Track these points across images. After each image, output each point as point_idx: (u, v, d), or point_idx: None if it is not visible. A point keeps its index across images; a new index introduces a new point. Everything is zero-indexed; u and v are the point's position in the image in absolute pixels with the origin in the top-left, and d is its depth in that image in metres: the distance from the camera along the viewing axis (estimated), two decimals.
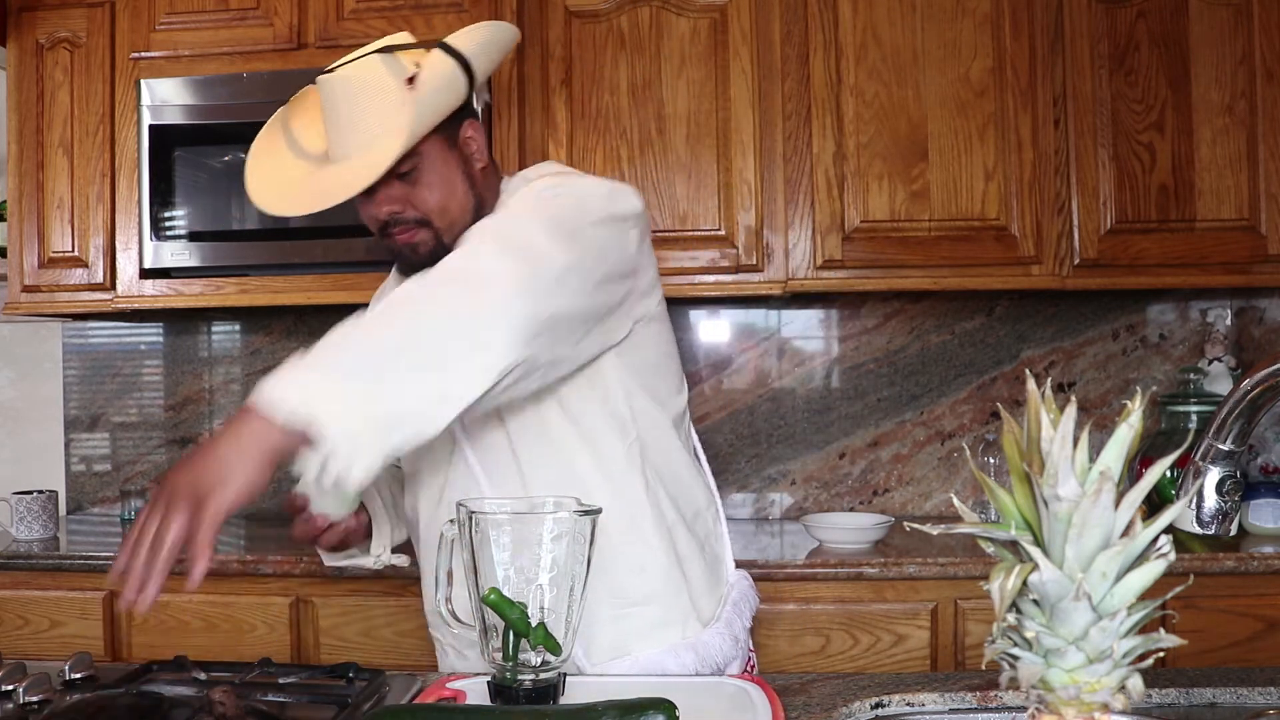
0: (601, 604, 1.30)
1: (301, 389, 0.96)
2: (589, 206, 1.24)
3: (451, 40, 1.31)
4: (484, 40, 1.35)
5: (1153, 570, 0.72)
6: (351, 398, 0.97)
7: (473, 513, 1.10)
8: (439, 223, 1.31)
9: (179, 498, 0.99)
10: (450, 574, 1.19)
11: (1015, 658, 0.76)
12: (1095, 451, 0.72)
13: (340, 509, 1.18)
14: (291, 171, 1.31)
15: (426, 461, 1.37)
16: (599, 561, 1.17)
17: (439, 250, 1.28)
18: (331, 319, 3.08)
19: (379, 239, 1.35)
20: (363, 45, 2.47)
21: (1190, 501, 1.08)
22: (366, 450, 0.97)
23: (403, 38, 1.31)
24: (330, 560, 1.43)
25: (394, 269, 1.48)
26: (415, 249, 1.31)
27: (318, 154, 1.32)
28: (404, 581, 2.16)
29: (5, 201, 2.68)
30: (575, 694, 1.13)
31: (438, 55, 1.28)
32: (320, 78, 1.28)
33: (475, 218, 1.30)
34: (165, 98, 2.43)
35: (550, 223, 1.15)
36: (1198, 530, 1.09)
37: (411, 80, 1.26)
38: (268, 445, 0.96)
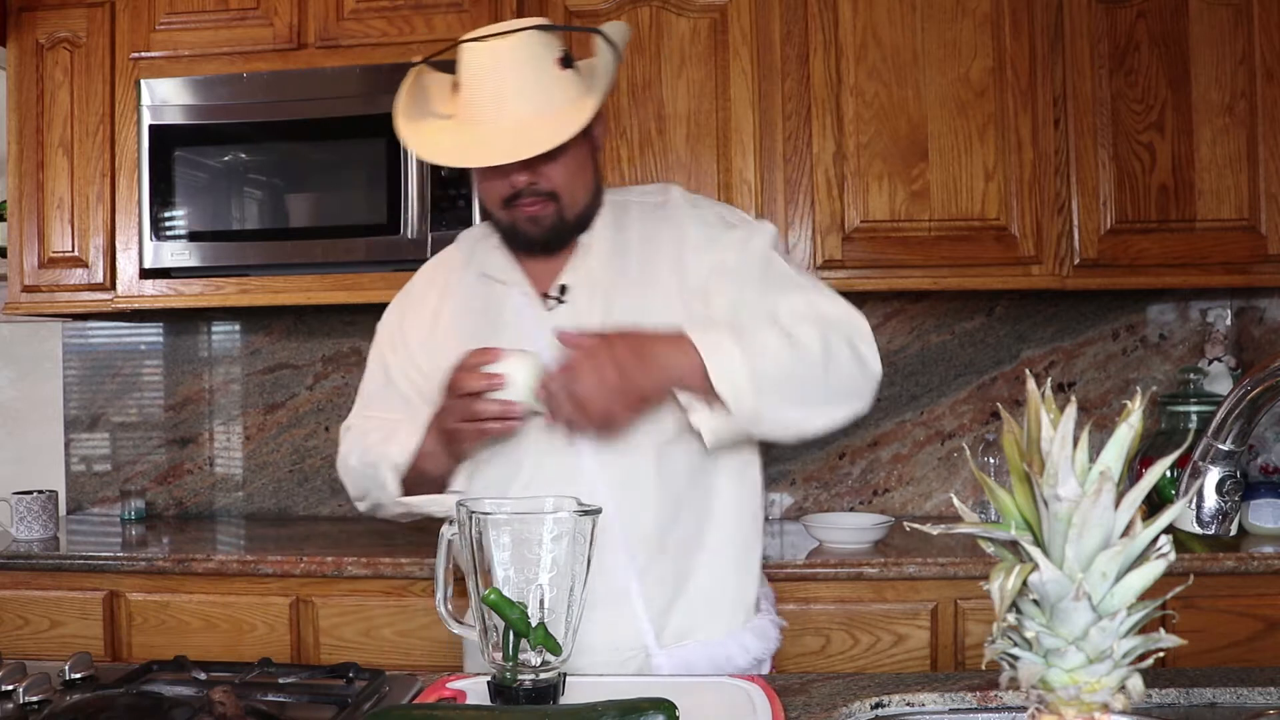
0: (675, 587, 1.39)
1: (731, 370, 1.26)
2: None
3: (607, 31, 1.40)
4: (623, 38, 1.44)
5: (1153, 570, 0.72)
6: (753, 396, 1.27)
7: (473, 513, 1.11)
8: (565, 199, 1.39)
9: (617, 362, 1.25)
10: (449, 574, 1.19)
11: (1015, 658, 0.76)
12: (1095, 451, 0.72)
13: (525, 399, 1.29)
14: (455, 134, 1.36)
15: (541, 457, 1.39)
16: (684, 547, 1.37)
17: (558, 226, 1.39)
18: (332, 319, 3.09)
19: (501, 208, 1.40)
20: (363, 45, 2.49)
21: (1190, 501, 1.08)
22: (736, 431, 1.30)
23: (541, 20, 1.38)
24: (416, 503, 1.43)
25: (460, 244, 1.56)
26: (538, 221, 1.38)
27: (463, 117, 1.36)
28: (404, 581, 2.16)
29: (5, 201, 2.68)
30: (575, 694, 1.14)
31: (601, 42, 1.39)
32: (483, 45, 1.33)
33: (594, 202, 1.44)
34: (165, 98, 2.43)
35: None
36: (1198, 530, 1.09)
37: (563, 61, 1.35)
38: (685, 374, 1.28)
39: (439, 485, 1.43)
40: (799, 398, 1.31)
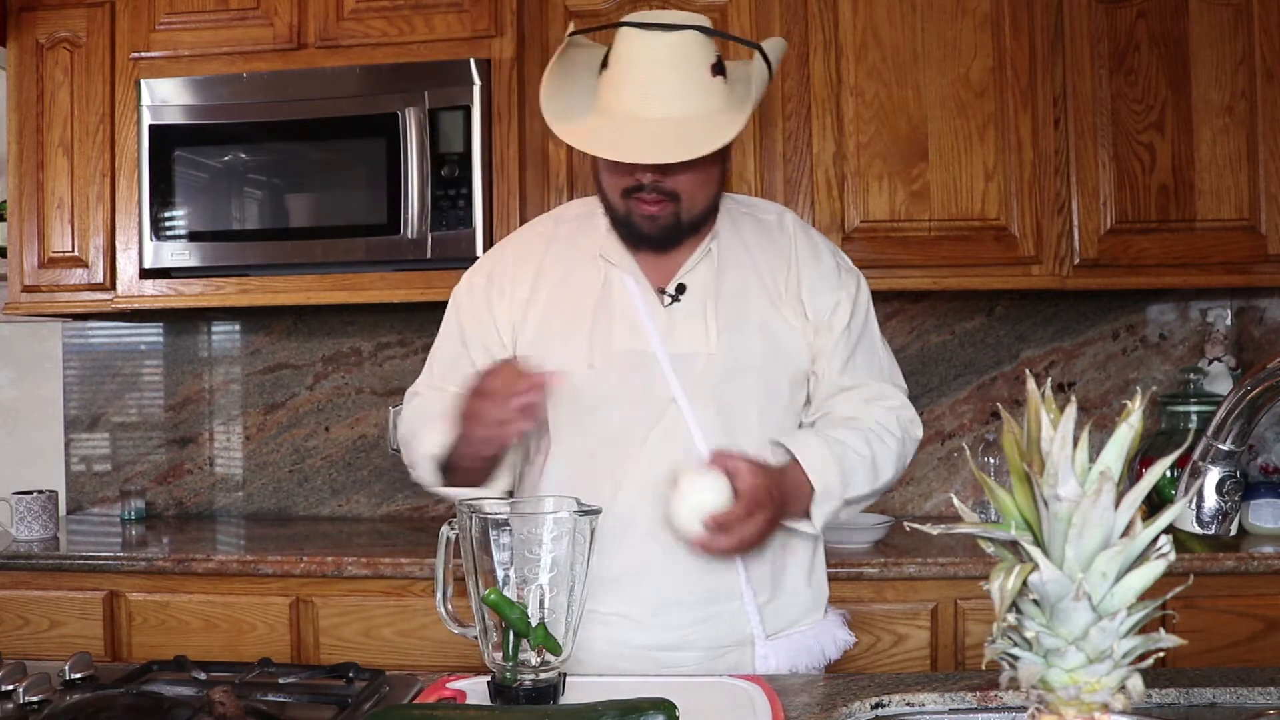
0: (774, 581, 1.44)
1: (826, 493, 1.38)
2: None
3: (767, 50, 1.41)
4: (778, 55, 1.45)
5: (1153, 570, 0.72)
6: (835, 509, 1.40)
7: (473, 513, 1.11)
8: (686, 203, 1.39)
9: (770, 520, 1.32)
10: (449, 574, 1.19)
11: (1015, 658, 0.76)
12: (1095, 451, 0.72)
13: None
14: (602, 120, 1.36)
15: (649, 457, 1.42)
16: (779, 544, 1.43)
17: (673, 227, 1.40)
18: (332, 319, 3.09)
19: (619, 197, 1.40)
20: (363, 45, 2.49)
21: (1190, 501, 1.08)
22: (818, 523, 1.41)
23: (706, 22, 1.37)
24: (453, 494, 1.41)
25: (558, 220, 1.55)
26: (655, 220, 1.39)
27: (607, 101, 1.37)
28: (404, 581, 2.16)
29: (5, 201, 2.68)
30: (575, 694, 1.14)
31: (759, 60, 1.40)
32: (644, 35, 1.33)
33: (712, 209, 1.44)
34: (165, 98, 2.43)
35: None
36: (1198, 530, 1.09)
37: (715, 68, 1.35)
38: (802, 499, 1.38)
39: (480, 476, 1.42)
40: (852, 514, 1.46)
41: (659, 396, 1.40)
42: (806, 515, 1.38)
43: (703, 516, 1.27)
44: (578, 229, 1.50)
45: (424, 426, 1.43)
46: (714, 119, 1.33)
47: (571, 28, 1.44)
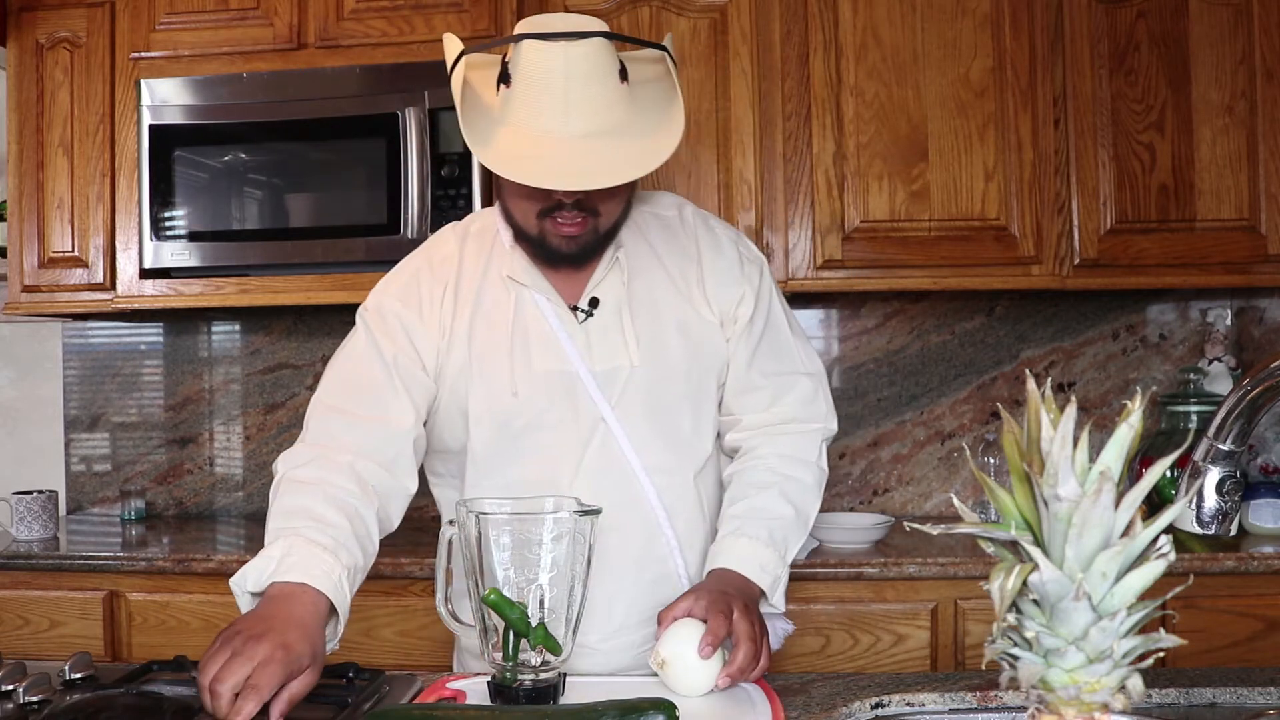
0: None
1: (773, 574, 1.35)
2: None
3: (671, 48, 1.36)
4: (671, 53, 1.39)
5: (1153, 570, 0.72)
6: (785, 575, 1.38)
7: (473, 513, 1.11)
8: (604, 218, 1.34)
9: (756, 638, 1.22)
10: (450, 574, 1.19)
11: (1015, 658, 0.76)
12: (1095, 451, 0.72)
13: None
14: (523, 142, 1.28)
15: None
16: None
17: (590, 244, 1.35)
18: (332, 319, 3.08)
19: (533, 219, 1.33)
20: (363, 45, 2.48)
21: (1190, 501, 1.08)
22: (781, 604, 1.37)
23: (601, 27, 1.29)
24: None
25: (462, 239, 1.45)
26: (574, 240, 1.33)
27: (524, 121, 1.28)
28: (404, 581, 2.16)
29: (5, 201, 2.68)
30: (575, 694, 1.14)
31: (669, 63, 1.34)
32: (551, 47, 1.25)
33: (625, 217, 1.39)
34: (165, 98, 2.43)
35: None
36: (1198, 530, 1.09)
37: (621, 74, 1.29)
38: (757, 598, 1.33)
39: None
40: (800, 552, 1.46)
41: (588, 416, 1.36)
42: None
43: (706, 672, 1.16)
44: (482, 248, 1.44)
45: (282, 525, 1.22)
46: (636, 131, 1.28)
47: (459, 47, 1.33)
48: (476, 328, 1.39)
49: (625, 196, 1.36)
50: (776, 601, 1.34)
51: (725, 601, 1.21)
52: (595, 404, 1.36)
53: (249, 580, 1.14)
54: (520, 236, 1.37)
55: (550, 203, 1.30)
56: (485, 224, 1.46)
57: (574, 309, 1.39)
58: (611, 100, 1.27)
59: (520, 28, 1.28)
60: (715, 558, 1.35)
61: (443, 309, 1.39)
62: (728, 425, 1.48)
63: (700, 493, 1.42)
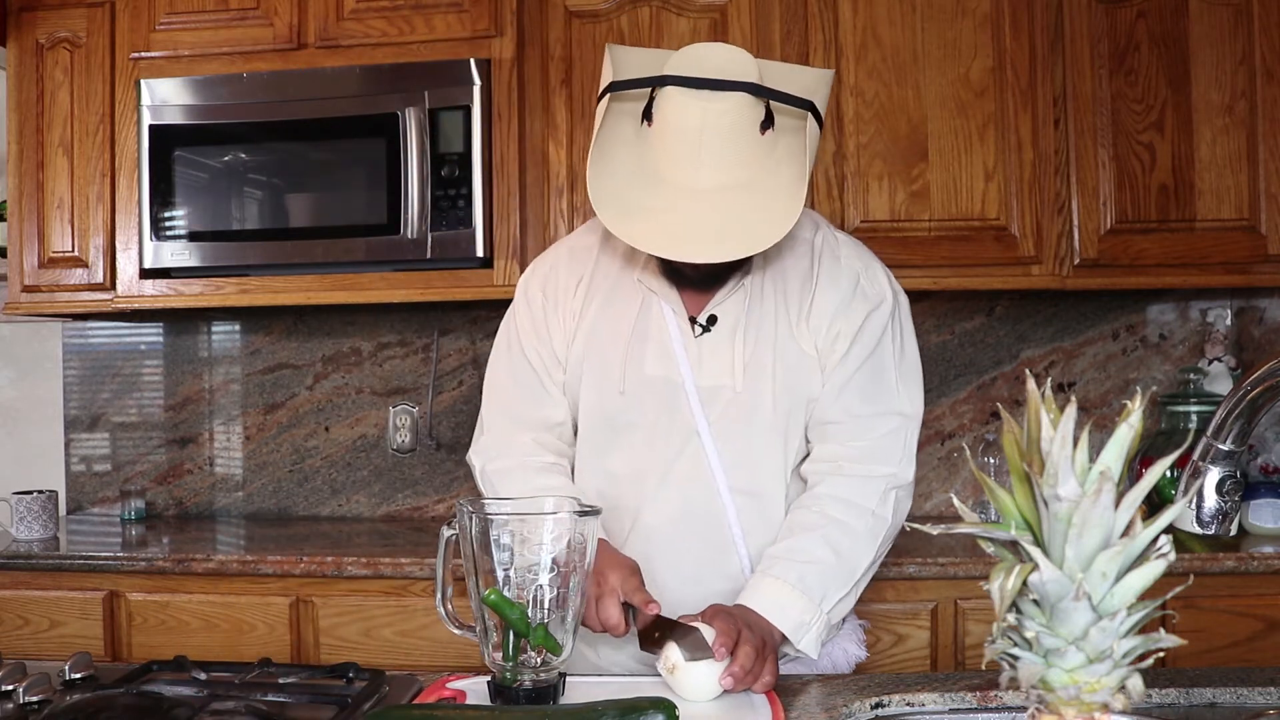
0: None
1: (797, 620, 1.31)
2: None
3: (816, 99, 1.32)
4: (826, 97, 1.37)
5: (1153, 570, 0.72)
6: (823, 625, 1.33)
7: (473, 513, 1.11)
8: None
9: (762, 649, 1.21)
10: (449, 574, 1.19)
11: (1015, 658, 0.76)
12: (1095, 451, 0.72)
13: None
14: (648, 191, 1.30)
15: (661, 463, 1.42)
16: None
17: (718, 270, 1.37)
18: (332, 319, 3.08)
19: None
20: (363, 45, 2.48)
21: (1190, 501, 1.08)
22: (818, 651, 1.34)
23: (750, 62, 1.30)
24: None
25: (605, 233, 1.49)
26: (699, 268, 1.36)
27: (655, 166, 1.31)
28: (404, 581, 2.16)
29: (5, 201, 2.68)
30: (575, 694, 1.14)
31: (812, 121, 1.32)
32: (693, 98, 1.26)
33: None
34: (165, 98, 2.43)
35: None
36: (1198, 530, 1.09)
37: (764, 124, 1.29)
38: (777, 640, 1.29)
39: None
40: (854, 594, 1.40)
41: (684, 428, 1.41)
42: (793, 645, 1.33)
43: (714, 679, 1.16)
44: (622, 246, 1.48)
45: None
46: (767, 188, 1.28)
47: (608, 73, 1.34)
48: (601, 322, 1.45)
49: None
50: (805, 648, 1.31)
51: (737, 623, 1.21)
52: (694, 417, 1.40)
53: None
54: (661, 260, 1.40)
55: (701, 261, 1.31)
56: None
57: (693, 321, 1.43)
58: (746, 156, 1.28)
59: (670, 64, 1.29)
60: (741, 595, 1.33)
61: (574, 297, 1.47)
62: (806, 453, 1.47)
63: (777, 519, 1.43)
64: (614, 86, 1.33)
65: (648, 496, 1.41)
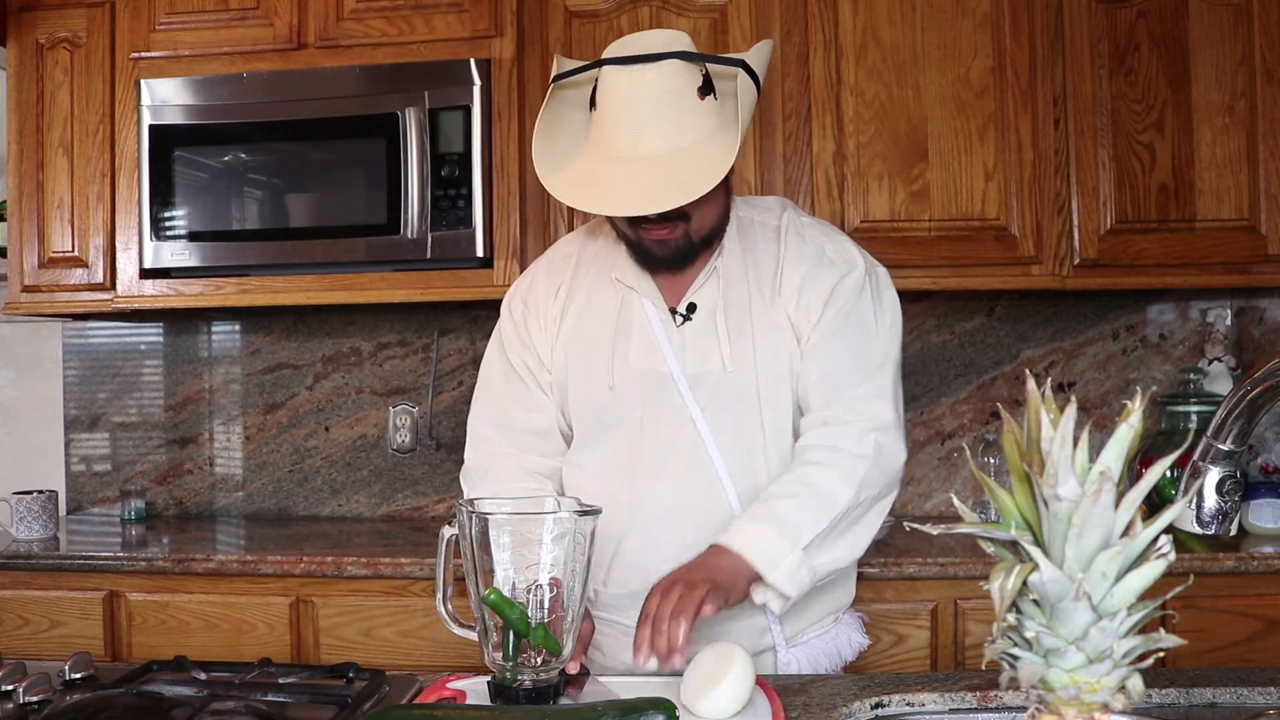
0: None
1: (769, 553, 1.29)
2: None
3: (750, 60, 1.40)
4: (764, 62, 1.44)
5: (1153, 570, 0.72)
6: (797, 563, 1.31)
7: (473, 513, 1.11)
8: (695, 222, 1.40)
9: (699, 583, 1.23)
10: (449, 574, 1.19)
11: (1015, 658, 0.76)
12: (1095, 451, 0.72)
13: None
14: (594, 166, 1.36)
15: (664, 453, 1.44)
16: None
17: (685, 247, 1.42)
18: (332, 319, 3.08)
19: (626, 226, 1.42)
20: (363, 45, 2.48)
21: (1190, 501, 1.08)
22: (797, 591, 1.31)
23: (685, 40, 1.37)
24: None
25: (583, 240, 1.58)
26: (665, 244, 1.41)
27: (598, 144, 1.37)
28: (404, 581, 2.16)
29: (5, 201, 2.68)
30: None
31: (745, 78, 1.39)
32: (625, 71, 1.32)
33: (722, 222, 1.46)
34: (165, 98, 2.43)
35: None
36: (1198, 530, 1.09)
37: (702, 89, 1.35)
38: (747, 575, 1.29)
39: None
40: (851, 540, 1.39)
41: (677, 416, 1.43)
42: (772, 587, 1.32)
43: (729, 699, 1.10)
44: (602, 250, 1.55)
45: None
46: (706, 149, 1.33)
47: (555, 68, 1.43)
48: (583, 322, 1.49)
49: (717, 204, 1.42)
50: (777, 582, 1.29)
51: (672, 580, 1.23)
52: (686, 404, 1.42)
53: None
54: (625, 241, 1.46)
55: (636, 215, 1.36)
56: (608, 226, 1.55)
57: (673, 312, 1.46)
58: (685, 120, 1.33)
59: (608, 51, 1.36)
60: (715, 539, 1.34)
61: (554, 304, 1.52)
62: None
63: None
64: (557, 78, 1.42)
65: (643, 489, 1.42)
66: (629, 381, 1.45)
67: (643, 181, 1.31)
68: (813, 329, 1.44)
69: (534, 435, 1.53)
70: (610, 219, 1.47)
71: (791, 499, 1.34)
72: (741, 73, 1.38)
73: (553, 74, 1.43)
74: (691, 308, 1.46)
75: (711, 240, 1.45)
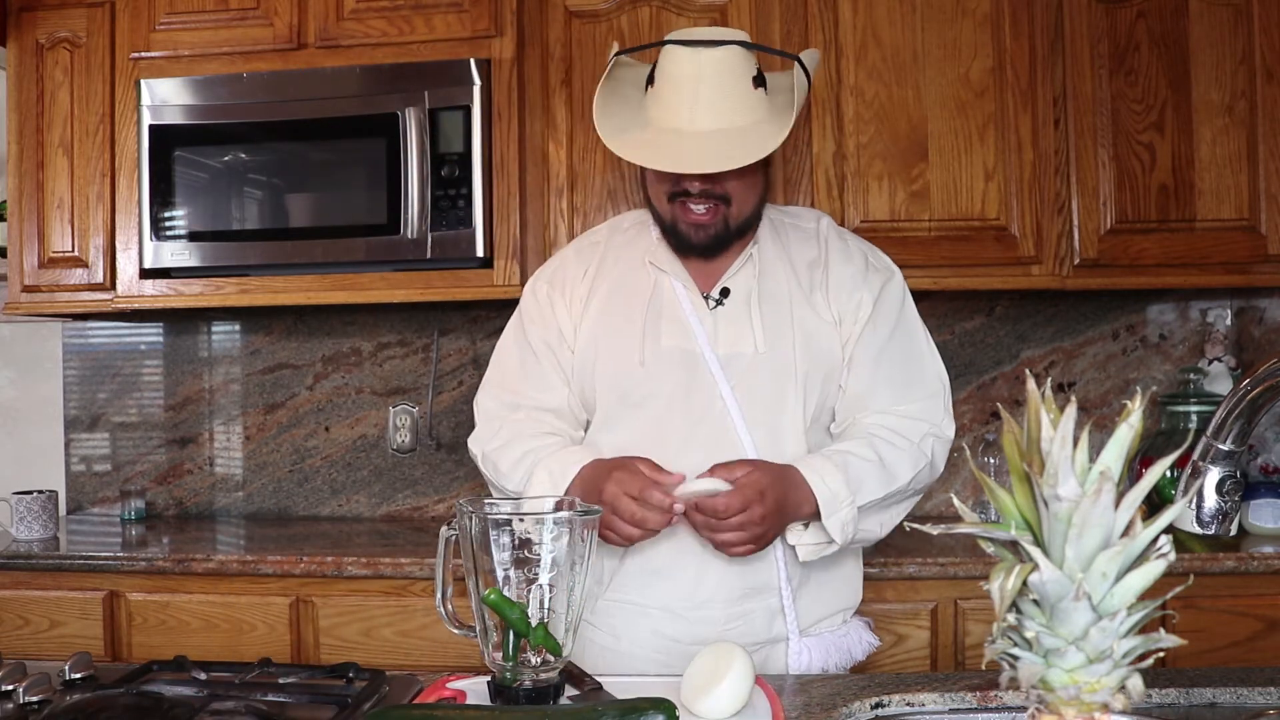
0: (803, 576, 1.48)
1: (833, 498, 1.39)
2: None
3: (805, 60, 1.47)
4: (814, 68, 1.51)
5: (1153, 570, 0.72)
6: (850, 516, 1.41)
7: (473, 513, 1.11)
8: (735, 208, 1.45)
9: (757, 523, 1.35)
10: (449, 574, 1.19)
11: (1015, 658, 0.76)
12: (1095, 451, 0.72)
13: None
14: (652, 135, 1.42)
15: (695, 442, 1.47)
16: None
17: (721, 233, 1.46)
18: (332, 319, 3.08)
19: (666, 202, 1.46)
20: (363, 45, 2.48)
21: (1190, 501, 1.08)
22: (842, 539, 1.41)
23: (744, 36, 1.44)
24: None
25: (613, 229, 1.62)
26: (704, 228, 1.45)
27: (656, 117, 1.43)
28: (404, 581, 2.16)
29: (5, 201, 2.68)
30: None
31: (799, 71, 1.46)
32: (688, 51, 1.39)
33: (756, 214, 1.51)
34: (165, 98, 2.43)
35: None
36: (1198, 530, 1.09)
37: (756, 80, 1.42)
38: (808, 512, 1.40)
39: None
40: (884, 519, 1.48)
41: (706, 394, 1.46)
42: (818, 525, 1.41)
43: (729, 699, 1.15)
44: (631, 238, 1.58)
45: (534, 471, 1.48)
46: (758, 129, 1.39)
47: (615, 48, 1.50)
48: (613, 303, 1.52)
49: (757, 189, 1.48)
50: (831, 526, 1.38)
51: (754, 497, 1.32)
52: (716, 383, 1.46)
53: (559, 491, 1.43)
54: (660, 225, 1.50)
55: (678, 187, 1.42)
56: (638, 219, 1.61)
57: (706, 297, 1.50)
58: (738, 103, 1.40)
59: (669, 36, 1.42)
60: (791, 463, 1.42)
61: (581, 285, 1.55)
62: (848, 419, 1.53)
63: None
64: (620, 53, 1.49)
65: (669, 463, 1.43)
66: (660, 359, 1.48)
67: (698, 149, 1.37)
68: (863, 327, 1.49)
69: (546, 412, 1.56)
70: (650, 201, 1.51)
71: (860, 459, 1.42)
72: (796, 67, 1.45)
73: (611, 55, 1.49)
74: (725, 292, 1.50)
75: (744, 232, 1.50)
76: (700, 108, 1.38)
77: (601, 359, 1.52)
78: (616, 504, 1.35)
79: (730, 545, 1.35)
